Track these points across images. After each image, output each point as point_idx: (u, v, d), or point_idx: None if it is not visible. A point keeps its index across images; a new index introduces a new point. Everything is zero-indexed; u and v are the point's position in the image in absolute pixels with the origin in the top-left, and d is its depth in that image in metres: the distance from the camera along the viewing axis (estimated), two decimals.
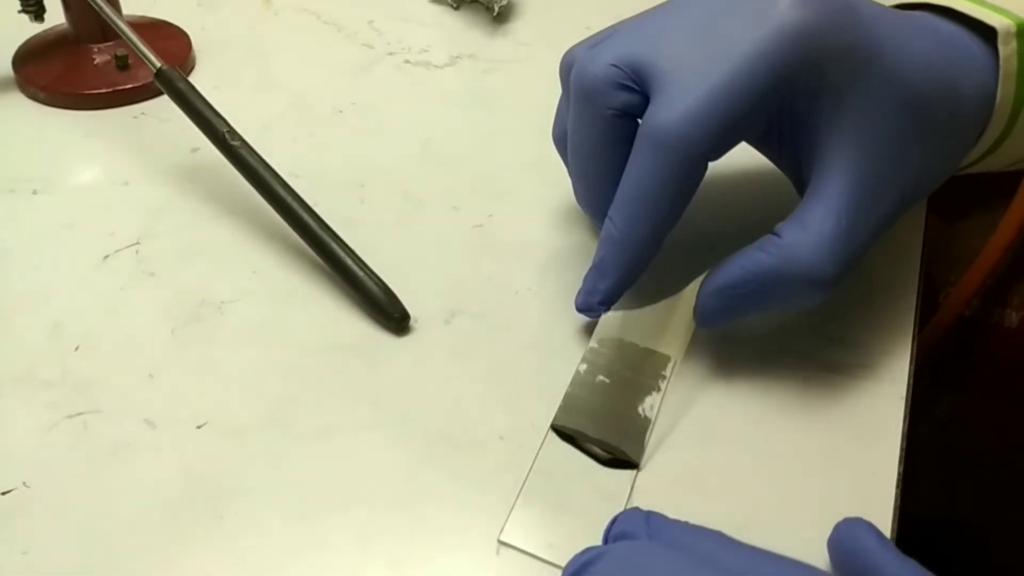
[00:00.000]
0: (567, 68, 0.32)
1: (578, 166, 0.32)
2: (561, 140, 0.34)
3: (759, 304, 0.29)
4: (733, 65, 0.27)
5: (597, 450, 0.28)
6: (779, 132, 0.30)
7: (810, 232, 0.27)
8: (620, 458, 0.28)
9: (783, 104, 0.28)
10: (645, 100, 0.29)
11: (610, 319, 0.31)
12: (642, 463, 0.28)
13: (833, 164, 0.28)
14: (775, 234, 0.28)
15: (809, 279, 0.27)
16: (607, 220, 0.29)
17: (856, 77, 0.27)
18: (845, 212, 0.27)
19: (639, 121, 0.29)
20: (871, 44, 0.28)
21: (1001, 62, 0.30)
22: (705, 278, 0.29)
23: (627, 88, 0.29)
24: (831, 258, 0.27)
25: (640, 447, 0.28)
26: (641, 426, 0.28)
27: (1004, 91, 0.30)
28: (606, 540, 0.24)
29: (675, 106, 0.27)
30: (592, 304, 0.30)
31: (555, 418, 0.29)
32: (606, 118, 0.29)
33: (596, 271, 0.30)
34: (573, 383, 0.30)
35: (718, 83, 0.27)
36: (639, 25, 0.30)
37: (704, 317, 0.29)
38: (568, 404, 0.29)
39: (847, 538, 0.24)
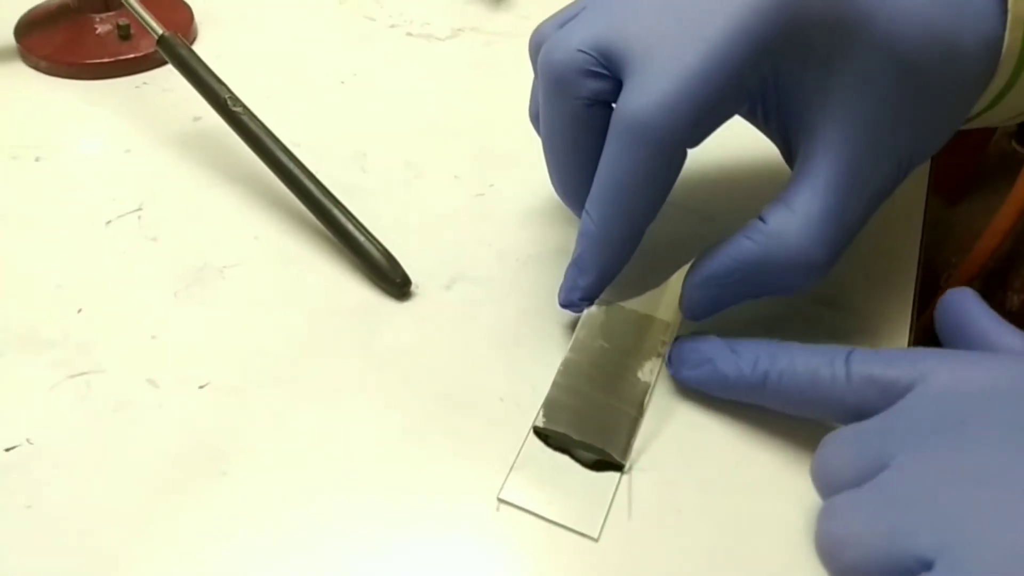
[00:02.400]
0: (535, 48, 0.30)
1: (552, 155, 0.30)
2: (536, 117, 0.32)
3: (747, 293, 0.28)
4: (709, 43, 0.25)
5: (583, 453, 0.27)
6: (763, 107, 0.28)
7: (798, 215, 0.26)
8: (605, 459, 0.27)
9: (766, 79, 0.26)
10: (617, 85, 0.27)
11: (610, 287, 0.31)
12: (628, 462, 0.27)
13: (822, 139, 0.26)
14: (760, 219, 0.27)
15: (798, 265, 0.26)
16: (584, 213, 0.28)
17: (845, 44, 0.25)
18: (835, 191, 0.26)
19: (614, 106, 0.27)
20: (860, 5, 0.25)
21: (1010, 4, 0.27)
22: (690, 268, 0.28)
23: (597, 75, 0.27)
24: (821, 242, 0.26)
25: (626, 445, 0.27)
26: (640, 392, 0.28)
27: (1012, 36, 0.27)
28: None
29: (648, 93, 0.25)
30: (573, 300, 0.29)
31: (537, 418, 0.28)
32: (577, 107, 0.28)
33: (575, 267, 0.29)
34: (572, 348, 0.30)
35: (693, 64, 0.25)
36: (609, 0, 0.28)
37: (690, 309, 0.28)
38: (552, 401, 0.28)
39: (952, 306, 0.26)
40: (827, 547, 0.22)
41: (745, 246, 0.27)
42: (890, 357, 0.25)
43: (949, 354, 0.24)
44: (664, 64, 0.25)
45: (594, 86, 0.27)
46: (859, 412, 0.24)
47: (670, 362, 0.29)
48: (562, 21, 0.29)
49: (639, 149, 0.26)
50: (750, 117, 0.31)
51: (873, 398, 0.24)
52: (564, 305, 0.30)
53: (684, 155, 0.27)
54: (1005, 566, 0.18)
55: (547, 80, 0.28)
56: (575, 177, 0.29)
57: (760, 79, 0.26)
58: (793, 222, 0.26)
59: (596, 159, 0.27)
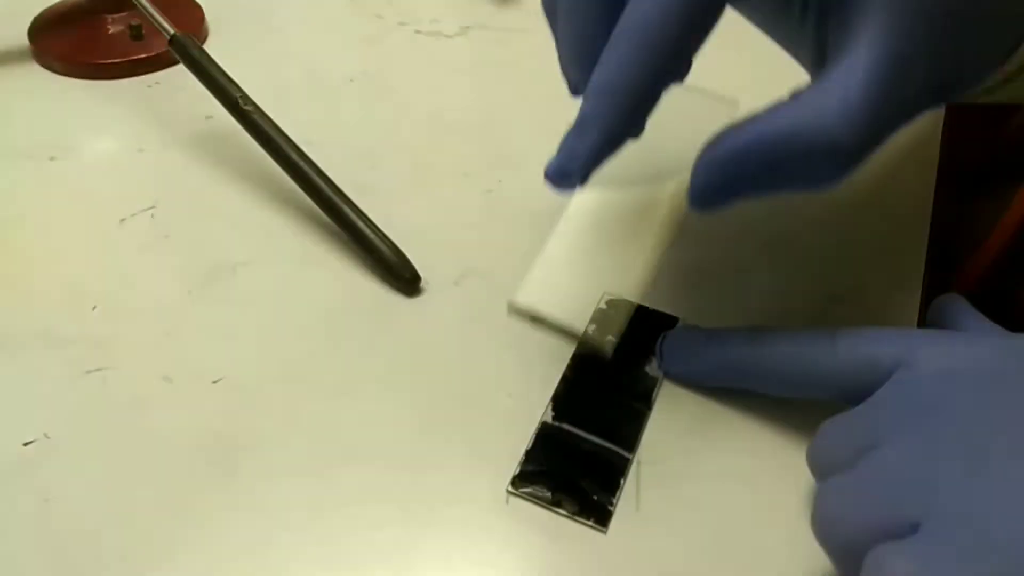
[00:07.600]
0: None
1: (566, 19, 0.26)
2: (550, 3, 0.27)
3: (765, 181, 0.24)
4: None
5: (567, 502, 0.26)
6: None
7: (832, 94, 0.23)
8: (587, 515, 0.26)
9: None
10: None
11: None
12: (635, 454, 0.27)
13: (865, 28, 0.23)
14: (791, 95, 0.24)
15: (828, 145, 0.23)
16: (596, 68, 0.24)
17: None
18: (876, 78, 0.22)
19: None
20: None
21: None
22: (704, 146, 0.24)
23: None
24: (855, 123, 0.22)
25: (635, 439, 0.27)
26: (648, 386, 0.29)
27: None
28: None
29: None
30: (571, 169, 0.24)
31: (546, 413, 0.28)
32: None
33: (574, 132, 0.24)
34: (581, 344, 0.30)
35: None
36: None
37: (698, 193, 0.24)
38: (561, 396, 0.28)
39: (941, 311, 0.28)
40: (821, 528, 0.22)
41: (771, 119, 0.23)
42: (876, 335, 0.25)
43: (933, 333, 0.25)
44: None
45: None
46: (846, 389, 0.25)
47: (660, 358, 0.29)
48: None
49: None
50: (782, 16, 0.27)
51: (859, 375, 0.25)
52: (554, 176, 0.25)
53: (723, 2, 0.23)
54: (985, 527, 0.19)
55: None
56: (592, 43, 0.24)
57: None
58: (827, 100, 0.23)
59: (616, 14, 0.23)
